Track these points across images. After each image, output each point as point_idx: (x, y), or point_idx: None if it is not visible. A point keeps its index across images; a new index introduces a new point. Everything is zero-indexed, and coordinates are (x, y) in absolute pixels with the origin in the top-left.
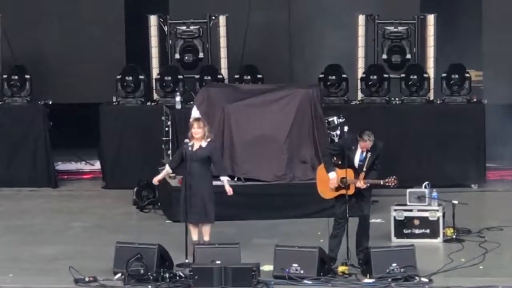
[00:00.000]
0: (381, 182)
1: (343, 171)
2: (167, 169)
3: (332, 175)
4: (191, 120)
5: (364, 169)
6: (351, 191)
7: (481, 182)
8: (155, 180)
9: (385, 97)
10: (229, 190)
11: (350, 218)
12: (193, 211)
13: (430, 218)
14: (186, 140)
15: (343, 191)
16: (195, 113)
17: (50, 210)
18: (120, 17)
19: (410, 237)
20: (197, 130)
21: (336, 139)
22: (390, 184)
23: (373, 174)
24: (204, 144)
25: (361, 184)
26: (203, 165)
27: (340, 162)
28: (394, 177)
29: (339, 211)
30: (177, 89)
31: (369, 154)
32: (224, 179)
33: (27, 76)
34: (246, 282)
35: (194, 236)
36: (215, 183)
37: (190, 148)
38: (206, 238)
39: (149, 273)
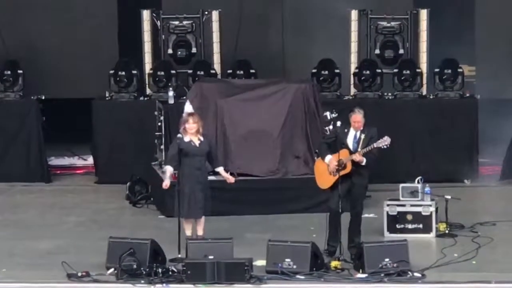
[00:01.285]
0: (374, 145)
1: (337, 154)
2: (170, 169)
3: (328, 157)
4: (184, 114)
5: (359, 149)
6: (348, 168)
7: (474, 177)
8: (165, 185)
9: (378, 92)
10: (229, 178)
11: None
12: (197, 206)
13: (423, 213)
14: (180, 135)
15: (342, 172)
16: (188, 108)
17: (43, 205)
18: (113, 12)
19: (403, 232)
20: (192, 125)
21: None
22: (383, 144)
23: (370, 158)
24: (202, 138)
25: (356, 156)
26: (204, 160)
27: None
28: (386, 136)
29: (334, 205)
30: (170, 84)
31: (362, 135)
32: (221, 169)
33: (20, 71)
34: (239, 277)
35: (188, 231)
36: (209, 178)
37: (192, 144)
38: (201, 232)
39: (142, 268)
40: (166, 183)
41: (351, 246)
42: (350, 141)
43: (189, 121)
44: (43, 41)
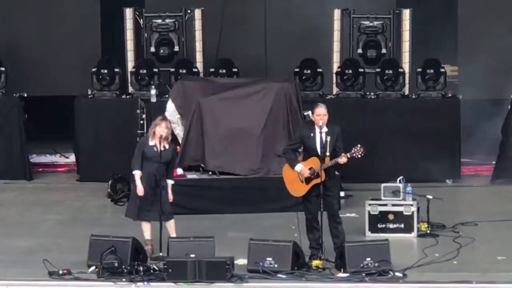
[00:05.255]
0: (348, 155)
1: (308, 162)
2: (138, 173)
3: (299, 166)
4: (158, 119)
5: (327, 153)
6: (322, 177)
7: (456, 177)
8: (140, 191)
9: (360, 92)
10: (171, 197)
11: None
12: (154, 209)
13: (405, 213)
14: (148, 136)
15: (315, 181)
16: (170, 106)
17: (25, 203)
18: (96, 10)
19: (385, 231)
20: (163, 130)
21: None
22: (357, 154)
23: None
24: (167, 146)
25: (328, 165)
26: (162, 167)
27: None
28: (359, 145)
29: (313, 209)
30: (152, 82)
31: (328, 138)
32: (169, 183)
33: (2, 69)
34: (220, 275)
35: (147, 234)
36: (190, 176)
37: (155, 149)
38: (173, 234)
39: (123, 266)
40: (140, 189)
41: (336, 248)
42: (317, 146)
43: (161, 125)
44: (25, 39)
